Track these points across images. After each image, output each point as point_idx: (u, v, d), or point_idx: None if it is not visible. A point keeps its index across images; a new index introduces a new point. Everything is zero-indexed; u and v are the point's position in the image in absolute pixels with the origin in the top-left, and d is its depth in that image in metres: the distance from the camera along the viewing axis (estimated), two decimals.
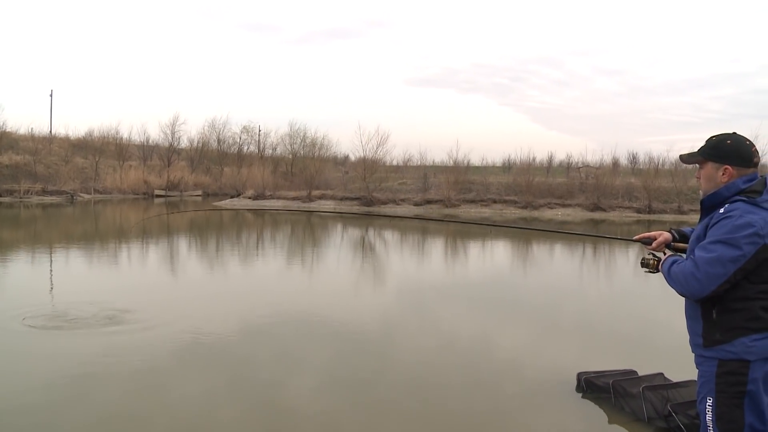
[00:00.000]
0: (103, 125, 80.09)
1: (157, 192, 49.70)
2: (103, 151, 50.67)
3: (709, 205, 3.02)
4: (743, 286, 2.84)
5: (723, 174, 2.98)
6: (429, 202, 40.30)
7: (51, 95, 59.97)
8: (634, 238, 3.56)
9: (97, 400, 5.66)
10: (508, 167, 54.36)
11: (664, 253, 3.34)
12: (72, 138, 55.16)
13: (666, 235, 3.40)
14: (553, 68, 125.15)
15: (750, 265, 2.79)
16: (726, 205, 2.91)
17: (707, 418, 2.93)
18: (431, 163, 50.05)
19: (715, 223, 2.89)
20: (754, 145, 3.03)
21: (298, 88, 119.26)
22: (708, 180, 3.05)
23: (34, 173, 44.42)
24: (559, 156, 55.14)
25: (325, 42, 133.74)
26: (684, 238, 3.41)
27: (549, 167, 52.80)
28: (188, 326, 8.09)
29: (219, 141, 61.57)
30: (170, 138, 57.16)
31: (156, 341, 7.44)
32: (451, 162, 45.09)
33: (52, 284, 11.95)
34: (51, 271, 13.52)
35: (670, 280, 3.05)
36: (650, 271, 3.36)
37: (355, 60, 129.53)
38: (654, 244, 3.39)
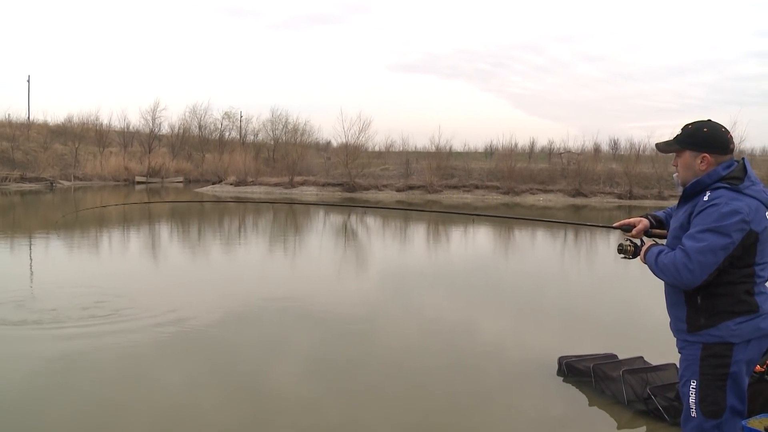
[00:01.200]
0: (82, 111, 78.88)
1: (138, 179, 49.25)
2: (82, 137, 50.06)
3: (691, 193, 3.04)
4: (728, 271, 2.88)
5: (701, 162, 3.00)
6: (411, 187, 40.30)
7: (28, 80, 59.05)
8: (614, 225, 3.58)
9: (79, 388, 5.64)
10: (490, 153, 54.43)
11: (642, 240, 3.36)
12: (51, 124, 54.50)
13: (645, 222, 3.42)
14: (535, 54, 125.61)
15: (737, 252, 2.83)
16: (708, 193, 2.92)
17: (690, 400, 2.97)
18: (413, 149, 50.02)
19: (701, 211, 2.91)
20: (729, 132, 3.06)
21: (280, 73, 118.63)
22: (686, 168, 3.06)
23: (12, 160, 43.87)
24: (541, 142, 55.00)
25: (306, 27, 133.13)
26: (660, 223, 3.44)
27: (531, 153, 52.86)
28: (170, 314, 8.05)
29: (200, 127, 61.10)
30: (151, 124, 56.60)
31: (137, 329, 7.40)
32: (434, 148, 45.11)
33: (31, 271, 11.84)
34: (31, 259, 13.39)
35: (658, 270, 3.06)
36: (626, 257, 3.38)
37: (337, 46, 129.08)
38: (633, 231, 3.41)
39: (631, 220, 3.49)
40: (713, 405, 2.90)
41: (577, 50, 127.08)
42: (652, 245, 3.23)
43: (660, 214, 3.49)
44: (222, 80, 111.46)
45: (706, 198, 2.92)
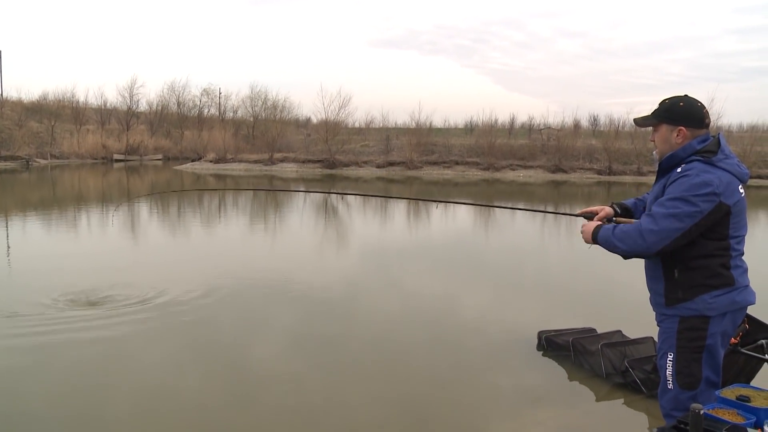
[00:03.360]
0: (58, 88, 77.94)
1: (116, 156, 48.77)
2: (58, 114, 49.39)
3: (667, 166, 3.07)
4: (702, 243, 2.92)
5: (678, 135, 3.04)
6: (391, 164, 40.26)
7: None
8: (577, 213, 3.60)
9: (59, 368, 5.62)
10: (470, 129, 54.46)
11: None
12: (25, 101, 53.68)
13: (608, 210, 3.43)
14: (516, 30, 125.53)
15: (707, 221, 2.87)
16: (683, 165, 2.97)
17: (667, 372, 3.02)
18: (394, 125, 49.99)
19: (673, 181, 2.96)
20: (705, 107, 3.11)
21: (260, 50, 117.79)
22: (663, 142, 3.11)
23: None
24: (521, 118, 55.28)
25: (286, 2, 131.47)
26: (626, 211, 3.45)
27: (511, 129, 52.97)
28: (151, 292, 8.01)
29: (179, 104, 60.58)
30: (128, 101, 55.99)
31: (119, 307, 7.36)
32: (414, 124, 45.09)
33: (8, 246, 11.72)
34: (7, 236, 13.25)
35: (616, 240, 3.07)
36: (590, 243, 3.38)
37: (317, 21, 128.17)
38: (595, 219, 3.42)
39: (594, 208, 3.51)
40: (689, 377, 2.95)
41: (557, 26, 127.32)
42: (600, 225, 3.25)
43: (627, 202, 3.50)
44: (200, 56, 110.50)
45: (679, 170, 2.97)
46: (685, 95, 3.11)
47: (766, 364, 4.25)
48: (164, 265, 10.21)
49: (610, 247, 3.14)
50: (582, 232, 3.33)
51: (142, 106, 58.41)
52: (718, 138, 3.02)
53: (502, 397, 5.24)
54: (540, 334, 6.37)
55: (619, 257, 3.18)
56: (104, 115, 54.44)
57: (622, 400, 5.16)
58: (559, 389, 5.43)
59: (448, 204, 20.82)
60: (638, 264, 3.29)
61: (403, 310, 7.85)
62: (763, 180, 34.48)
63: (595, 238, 3.22)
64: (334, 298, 8.27)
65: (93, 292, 7.92)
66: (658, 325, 3.14)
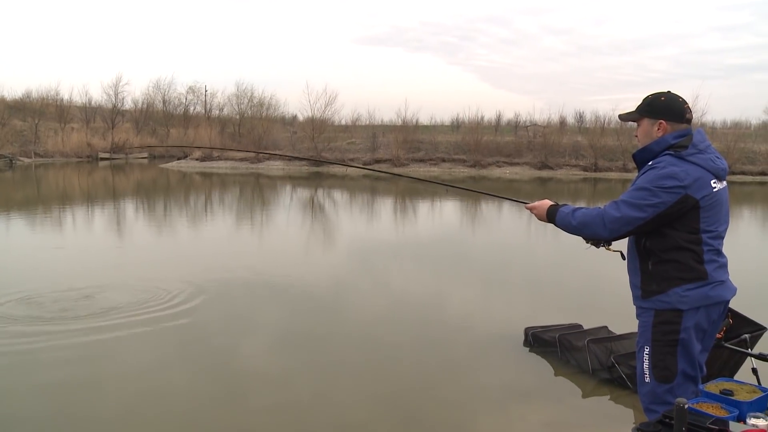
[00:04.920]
0: (41, 86, 77.04)
1: (101, 155, 48.34)
2: (42, 113, 48.89)
3: (641, 160, 3.13)
4: (673, 236, 2.95)
5: (658, 129, 3.08)
6: (378, 161, 40.20)
7: None
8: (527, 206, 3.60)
9: (45, 369, 5.58)
10: (456, 126, 54.38)
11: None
12: (8, 99, 53.00)
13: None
14: (502, 27, 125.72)
15: (671, 212, 2.90)
16: (656, 159, 3.03)
17: (644, 365, 3.06)
18: (380, 123, 49.78)
19: (643, 173, 3.03)
20: (687, 103, 3.15)
21: (245, 47, 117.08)
22: (645, 136, 3.15)
23: None
24: (508, 115, 55.46)
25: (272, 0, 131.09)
26: None
27: (497, 126, 52.98)
28: (139, 291, 7.97)
29: (164, 102, 59.98)
30: (113, 99, 55.30)
31: (105, 307, 7.30)
32: (400, 121, 44.92)
33: None
34: None
35: (576, 221, 3.13)
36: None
37: (302, 18, 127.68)
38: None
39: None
40: (665, 370, 2.98)
41: (543, 23, 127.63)
42: (555, 204, 3.31)
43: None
44: (186, 54, 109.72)
45: (650, 163, 3.03)
46: (668, 91, 3.16)
47: (749, 357, 4.30)
48: (150, 264, 10.14)
49: (569, 229, 3.20)
50: (533, 208, 3.42)
51: (128, 104, 57.86)
52: (692, 135, 3.05)
53: (489, 393, 5.26)
54: (526, 330, 6.40)
55: (606, 254, 3.22)
56: (89, 113, 53.88)
57: (608, 396, 5.20)
58: (545, 385, 5.47)
59: (435, 201, 20.85)
60: (624, 261, 3.31)
61: (391, 306, 7.86)
62: (746, 176, 34.79)
63: (552, 218, 3.28)
64: (322, 297, 8.26)
65: (79, 290, 7.87)
66: (636, 319, 3.18)
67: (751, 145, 41.05)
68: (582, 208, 3.19)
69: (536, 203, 3.42)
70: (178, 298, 7.79)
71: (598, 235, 3.10)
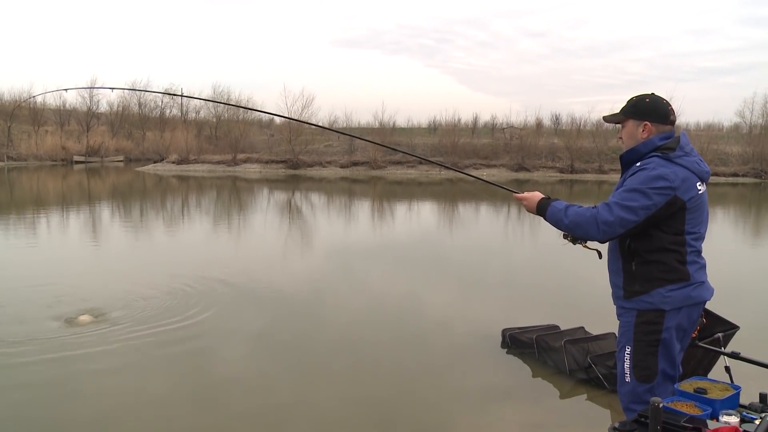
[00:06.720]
0: (14, 88, 75.87)
1: (76, 158, 47.81)
2: (15, 115, 48.23)
3: (628, 161, 3.15)
4: (658, 237, 2.98)
5: (643, 130, 3.11)
6: (355, 164, 40.25)
7: None
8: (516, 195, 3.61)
9: (24, 375, 5.51)
10: (433, 128, 54.56)
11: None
12: None
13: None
14: (479, 29, 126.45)
15: (661, 213, 2.94)
16: (643, 160, 3.04)
17: (625, 365, 3.08)
18: (357, 125, 49.79)
19: (632, 174, 3.04)
20: (671, 105, 3.18)
21: (222, 50, 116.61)
22: (630, 137, 3.18)
23: None
24: (484, 117, 55.78)
25: (247, 1, 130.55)
26: None
27: (474, 128, 53.25)
28: (115, 297, 7.89)
29: (140, 104, 59.49)
30: (88, 102, 54.72)
31: (82, 313, 7.22)
32: (377, 124, 45.12)
33: None
34: None
35: (567, 220, 3.13)
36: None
37: (279, 21, 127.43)
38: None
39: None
40: (646, 370, 3.02)
41: (520, 26, 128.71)
42: (546, 197, 3.32)
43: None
44: (161, 56, 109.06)
45: (638, 164, 3.04)
46: (652, 93, 3.19)
47: (722, 356, 4.36)
48: (126, 270, 10.04)
49: (560, 226, 3.19)
50: (523, 199, 3.39)
51: (103, 107, 57.27)
52: (678, 137, 3.10)
53: (467, 394, 5.27)
54: (504, 331, 6.44)
55: (581, 254, 3.24)
56: (63, 116, 53.28)
57: (585, 396, 5.25)
58: (523, 386, 5.50)
59: (412, 202, 20.89)
60: (601, 261, 3.35)
61: (368, 308, 7.86)
62: (719, 177, 35.27)
63: (542, 212, 3.27)
64: (299, 300, 8.24)
65: (57, 297, 7.79)
66: (618, 319, 3.20)
67: (723, 146, 41.73)
68: (573, 205, 3.18)
69: (527, 194, 3.41)
70: (154, 303, 7.71)
71: (590, 236, 3.10)
